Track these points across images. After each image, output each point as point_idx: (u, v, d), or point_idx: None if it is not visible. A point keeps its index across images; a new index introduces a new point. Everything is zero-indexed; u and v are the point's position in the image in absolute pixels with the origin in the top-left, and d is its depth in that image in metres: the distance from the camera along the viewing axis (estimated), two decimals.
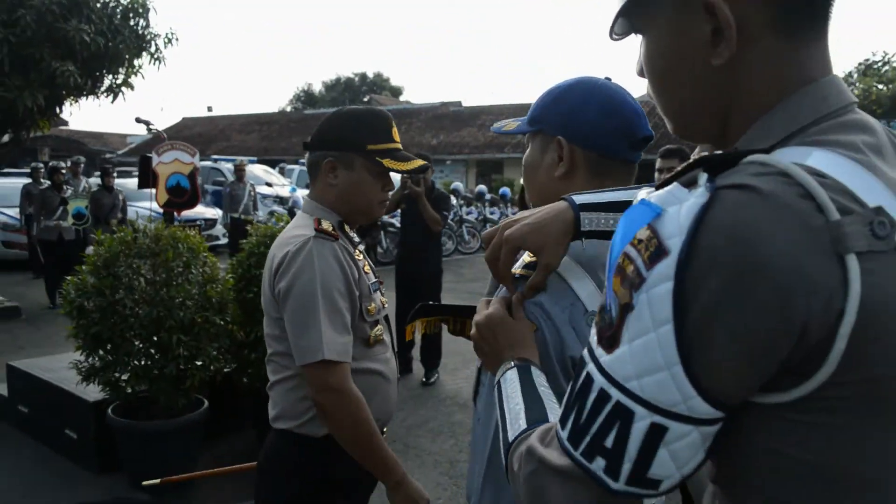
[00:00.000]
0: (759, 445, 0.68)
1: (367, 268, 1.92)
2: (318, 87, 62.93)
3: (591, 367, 0.72)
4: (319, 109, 43.23)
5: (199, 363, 3.81)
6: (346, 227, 1.94)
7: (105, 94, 8.11)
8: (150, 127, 8.27)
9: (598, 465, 0.70)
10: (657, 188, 0.70)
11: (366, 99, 51.51)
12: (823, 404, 0.64)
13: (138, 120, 7.93)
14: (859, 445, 0.66)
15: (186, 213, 8.12)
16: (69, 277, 3.90)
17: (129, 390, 3.78)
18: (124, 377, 3.81)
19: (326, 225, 1.83)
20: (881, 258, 0.62)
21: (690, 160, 0.70)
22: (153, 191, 6.64)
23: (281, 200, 15.10)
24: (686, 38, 0.78)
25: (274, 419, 1.89)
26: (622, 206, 1.11)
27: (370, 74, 62.14)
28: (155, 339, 3.73)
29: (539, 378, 1.03)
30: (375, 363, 1.89)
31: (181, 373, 3.77)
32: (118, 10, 7.68)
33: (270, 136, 36.96)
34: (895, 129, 0.83)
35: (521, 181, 3.02)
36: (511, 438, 0.92)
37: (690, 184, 0.67)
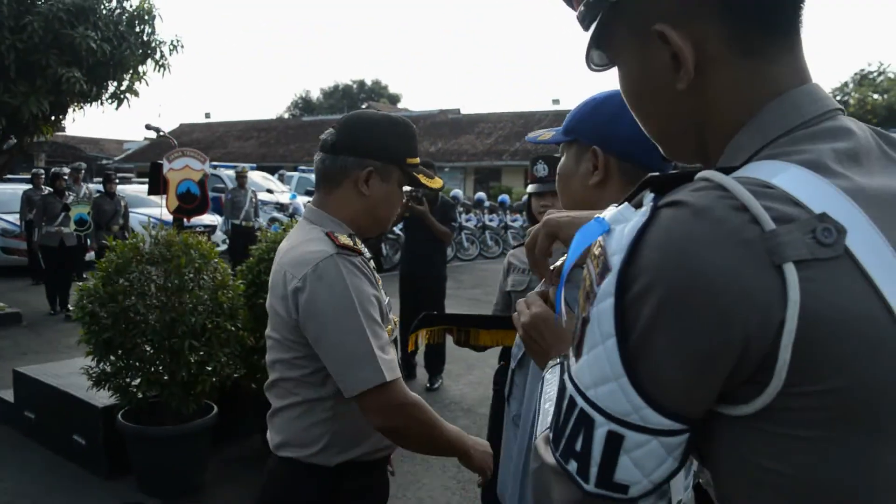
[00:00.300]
0: (737, 457, 0.69)
1: (380, 283, 1.82)
2: (315, 94, 63.11)
3: (565, 375, 0.75)
4: (317, 116, 43.30)
5: (209, 368, 3.82)
6: (358, 240, 1.80)
7: (110, 100, 8.13)
8: (161, 133, 8.28)
9: (573, 466, 0.72)
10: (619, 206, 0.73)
11: (364, 106, 51.53)
12: (792, 415, 0.63)
13: (148, 127, 7.98)
14: (843, 458, 0.63)
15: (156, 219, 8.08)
16: (80, 283, 3.91)
17: (140, 395, 3.79)
18: (135, 382, 3.83)
19: (345, 239, 1.68)
20: (826, 265, 0.61)
21: (641, 181, 0.72)
22: (161, 198, 6.66)
23: (281, 207, 15.12)
24: (650, 66, 0.80)
25: (278, 447, 1.74)
26: None
27: (368, 81, 62.36)
28: (166, 344, 3.74)
29: None
30: None
31: (192, 378, 3.79)
32: (124, 17, 7.70)
33: (268, 142, 37.02)
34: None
35: (528, 189, 3.04)
36: (538, 435, 0.96)
37: (639, 204, 0.69)
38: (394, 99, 60.66)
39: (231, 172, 14.09)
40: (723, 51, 0.75)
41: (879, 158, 0.73)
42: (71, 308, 9.03)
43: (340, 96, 60.15)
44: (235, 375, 4.21)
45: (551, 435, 0.77)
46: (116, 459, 4.15)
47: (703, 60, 0.75)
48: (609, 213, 0.71)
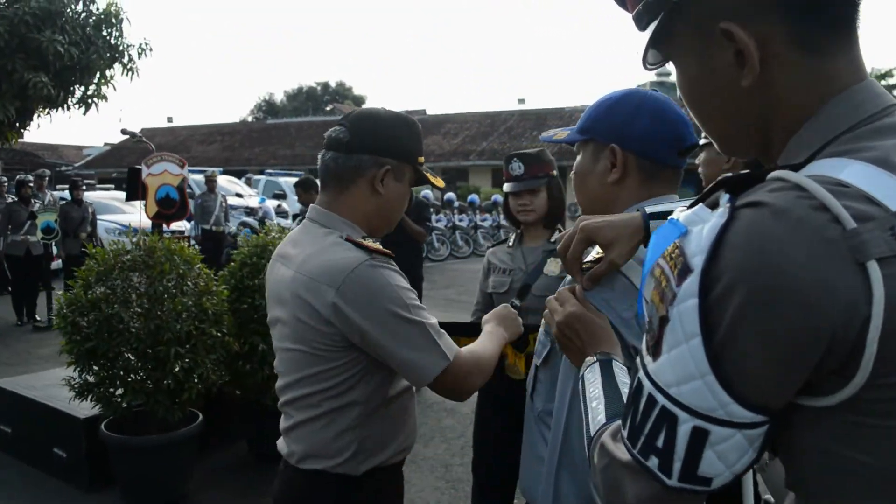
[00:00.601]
0: (818, 448, 0.71)
1: None
2: (279, 97, 62.59)
3: (641, 373, 0.76)
4: (282, 119, 42.93)
5: (196, 376, 3.77)
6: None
7: (77, 105, 7.96)
8: (137, 137, 8.13)
9: (654, 462, 0.74)
10: (690, 207, 0.74)
11: (328, 108, 51.29)
12: (874, 407, 0.66)
13: (124, 131, 7.80)
14: None
15: (149, 226, 7.96)
16: (60, 293, 3.84)
17: (125, 405, 3.73)
18: (119, 392, 3.76)
19: (370, 242, 1.65)
20: None
21: (714, 182, 0.74)
22: (140, 203, 6.53)
23: (251, 211, 14.96)
24: (713, 64, 0.81)
25: (302, 459, 1.69)
26: None
27: (332, 83, 62.04)
28: (150, 352, 3.68)
29: (620, 372, 1.09)
30: (404, 382, 1.80)
31: (178, 385, 3.74)
32: (91, 21, 7.55)
33: (232, 146, 36.59)
34: None
35: (504, 188, 3.03)
36: (592, 432, 0.97)
37: (714, 205, 0.71)
38: (358, 101, 60.37)
39: (200, 177, 13.91)
40: (786, 48, 0.76)
41: None
42: (38, 318, 8.86)
43: (304, 98, 59.76)
44: (220, 383, 4.16)
45: (626, 433, 0.78)
46: (99, 471, 4.07)
47: (767, 58, 0.76)
48: (683, 214, 0.73)
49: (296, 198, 19.26)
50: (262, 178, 21.02)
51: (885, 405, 0.65)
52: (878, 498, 0.68)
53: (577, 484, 1.20)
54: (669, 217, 0.74)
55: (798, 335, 0.64)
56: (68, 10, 7.41)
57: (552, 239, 2.86)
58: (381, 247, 1.66)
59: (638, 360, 0.78)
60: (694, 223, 0.70)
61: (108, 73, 7.88)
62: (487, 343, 1.80)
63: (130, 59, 7.95)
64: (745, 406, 0.68)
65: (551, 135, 1.50)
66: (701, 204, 0.72)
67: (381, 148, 1.71)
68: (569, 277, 1.34)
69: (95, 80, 7.84)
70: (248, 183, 20.22)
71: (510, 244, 3.00)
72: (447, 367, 1.60)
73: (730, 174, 0.73)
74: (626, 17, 0.92)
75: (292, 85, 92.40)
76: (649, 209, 1.20)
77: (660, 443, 0.72)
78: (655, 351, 0.72)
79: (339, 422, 1.65)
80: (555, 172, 2.90)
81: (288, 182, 20.40)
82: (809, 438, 0.71)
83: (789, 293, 0.63)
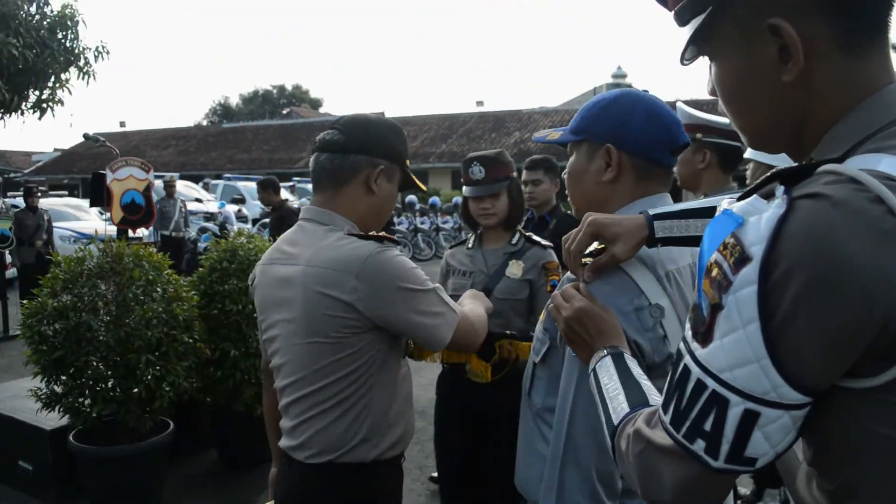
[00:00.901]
0: (852, 426, 0.75)
1: None
2: (235, 101, 61.73)
3: (687, 360, 0.79)
4: (238, 123, 42.38)
5: (167, 383, 3.71)
6: None
7: (32, 109, 7.75)
8: (101, 142, 7.93)
9: (699, 445, 0.77)
10: (740, 199, 0.77)
11: (285, 112, 50.83)
12: None
13: (87, 136, 7.60)
14: None
15: (105, 233, 7.78)
16: (25, 302, 3.74)
17: (95, 415, 3.65)
18: (87, 402, 3.68)
19: (382, 234, 1.78)
20: None
21: (768, 174, 0.77)
22: (93, 210, 6.39)
23: (210, 216, 14.75)
24: (755, 59, 0.85)
25: (312, 455, 1.73)
26: (690, 214, 1.23)
27: (289, 86, 61.50)
28: (119, 360, 3.61)
29: (632, 363, 1.12)
30: (405, 368, 1.89)
31: (150, 394, 3.68)
32: (46, 23, 7.35)
33: (188, 150, 36.03)
34: None
35: (465, 192, 3.04)
36: (616, 422, 1.00)
37: (769, 195, 0.74)
38: (315, 104, 60.04)
39: (158, 182, 13.66)
40: (827, 46, 0.80)
41: None
42: None
43: (261, 102, 59.09)
44: (189, 387, 4.10)
45: (668, 418, 0.81)
46: (67, 484, 3.98)
47: (810, 55, 0.80)
48: (738, 206, 0.75)
49: (256, 202, 19.10)
50: (221, 182, 20.75)
51: None
52: None
53: (581, 477, 1.23)
54: (723, 209, 0.77)
55: (853, 321, 0.68)
56: (21, 12, 7.20)
57: (513, 241, 2.81)
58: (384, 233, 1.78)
59: (682, 348, 0.80)
60: (750, 214, 0.73)
61: (63, 76, 7.69)
62: (470, 303, 2.04)
63: (87, 63, 7.77)
64: (795, 388, 0.71)
65: (544, 135, 1.52)
66: (755, 195, 0.75)
67: (374, 149, 1.79)
68: (567, 275, 1.37)
69: (51, 84, 7.64)
70: (206, 188, 19.94)
71: (469, 245, 2.93)
72: (458, 324, 1.78)
73: (784, 167, 0.76)
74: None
75: (248, 88, 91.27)
76: (652, 211, 1.25)
77: (708, 426, 0.76)
78: (706, 338, 0.75)
79: (352, 411, 1.71)
80: (514, 174, 2.84)
81: (247, 186, 20.15)
82: (844, 418, 0.75)
83: (848, 280, 0.67)
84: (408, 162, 1.91)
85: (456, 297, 2.73)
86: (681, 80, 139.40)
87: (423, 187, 2.00)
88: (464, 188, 2.87)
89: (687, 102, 3.00)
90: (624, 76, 37.06)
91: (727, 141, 2.59)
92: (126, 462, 3.81)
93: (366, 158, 1.78)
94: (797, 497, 0.89)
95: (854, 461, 0.76)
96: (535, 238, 2.84)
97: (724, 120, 2.64)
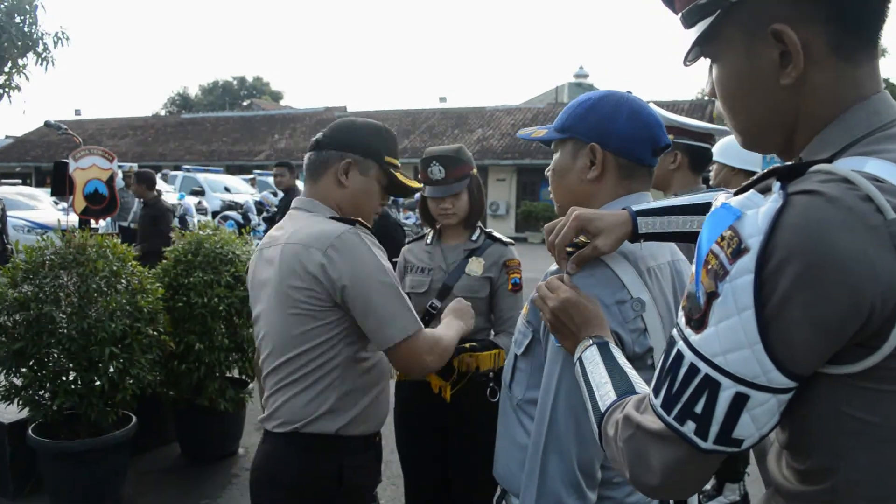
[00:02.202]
0: (829, 410, 0.80)
1: None
2: (194, 91, 60.72)
3: (681, 345, 0.83)
4: (197, 113, 41.72)
5: (130, 376, 3.65)
6: None
7: None
8: (63, 130, 7.73)
9: (689, 427, 0.82)
10: (736, 193, 0.82)
11: (246, 103, 50.24)
12: (889, 373, 0.76)
13: (48, 124, 7.41)
14: None
15: (67, 223, 7.64)
16: None
17: (56, 408, 3.58)
18: (47, 395, 3.61)
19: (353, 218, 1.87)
20: None
21: (765, 171, 0.82)
22: (47, 199, 6.24)
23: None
24: (756, 63, 0.90)
25: (279, 424, 1.83)
26: (672, 211, 1.28)
27: (249, 78, 60.62)
28: (82, 352, 3.55)
29: (617, 353, 1.16)
30: (380, 356, 1.93)
31: (112, 387, 3.62)
32: (3, 7, 7.13)
33: (146, 141, 35.36)
34: None
35: (425, 192, 3.05)
36: (603, 409, 1.04)
37: (765, 191, 0.79)
38: (276, 96, 59.35)
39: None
40: (825, 53, 0.85)
41: None
42: None
43: (221, 93, 58.21)
44: (152, 381, 4.04)
45: (659, 401, 0.86)
46: (25, 478, 3.89)
47: (808, 60, 0.85)
48: (736, 199, 0.80)
49: (216, 195, 18.80)
50: (180, 174, 20.43)
51: None
52: (883, 452, 0.78)
53: (564, 465, 1.26)
54: (721, 203, 0.81)
55: (842, 310, 0.73)
56: None
57: (473, 237, 2.74)
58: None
59: (675, 334, 0.85)
60: (748, 207, 0.78)
61: (21, 62, 7.47)
62: (446, 330, 1.99)
63: (45, 48, 7.56)
64: (784, 373, 0.76)
65: (529, 132, 1.55)
66: (752, 190, 0.80)
67: (344, 144, 1.94)
68: (553, 267, 1.40)
69: (7, 70, 7.42)
70: (165, 179, 19.57)
71: (428, 241, 2.83)
72: (412, 336, 1.78)
73: (781, 164, 0.81)
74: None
75: (207, 79, 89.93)
76: (636, 208, 1.30)
77: (699, 408, 0.80)
78: (701, 324, 0.80)
79: (319, 384, 1.80)
80: (474, 171, 2.75)
81: (207, 178, 19.85)
82: (824, 402, 0.80)
83: (838, 271, 0.72)
84: (389, 158, 1.99)
85: (416, 295, 2.68)
86: (641, 81, 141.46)
87: (415, 185, 2.07)
88: (424, 187, 2.72)
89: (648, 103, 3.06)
90: (586, 76, 37.45)
91: (697, 143, 2.66)
92: (87, 456, 3.74)
93: (335, 153, 1.93)
94: (766, 475, 0.94)
95: (829, 444, 0.81)
96: (497, 234, 2.78)
97: (695, 122, 2.72)
